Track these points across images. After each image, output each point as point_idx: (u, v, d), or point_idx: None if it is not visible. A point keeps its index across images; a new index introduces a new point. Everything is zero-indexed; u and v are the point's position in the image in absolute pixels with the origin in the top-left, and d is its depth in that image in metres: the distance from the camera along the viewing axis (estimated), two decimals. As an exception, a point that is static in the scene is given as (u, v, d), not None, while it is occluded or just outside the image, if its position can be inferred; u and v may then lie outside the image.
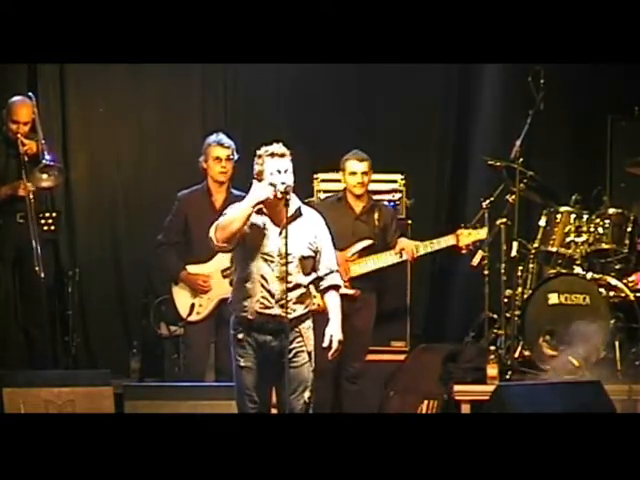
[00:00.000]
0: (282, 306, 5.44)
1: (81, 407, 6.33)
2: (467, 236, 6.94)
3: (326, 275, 5.61)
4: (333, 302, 5.61)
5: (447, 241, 6.96)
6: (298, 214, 5.56)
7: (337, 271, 5.66)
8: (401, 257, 6.92)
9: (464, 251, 6.99)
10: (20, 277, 7.47)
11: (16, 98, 7.34)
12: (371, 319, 6.98)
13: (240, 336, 5.55)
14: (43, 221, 7.28)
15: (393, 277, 7.13)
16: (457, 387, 6.91)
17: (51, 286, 7.87)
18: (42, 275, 7.14)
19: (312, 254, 5.56)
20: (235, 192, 6.88)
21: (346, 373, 6.95)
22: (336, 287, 5.63)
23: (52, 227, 7.33)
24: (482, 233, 6.97)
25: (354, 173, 6.89)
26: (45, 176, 7.23)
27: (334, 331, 5.50)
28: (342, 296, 6.71)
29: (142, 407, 6.06)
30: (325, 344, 5.47)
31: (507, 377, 6.95)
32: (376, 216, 6.95)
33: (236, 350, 5.57)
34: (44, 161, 7.17)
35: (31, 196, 7.16)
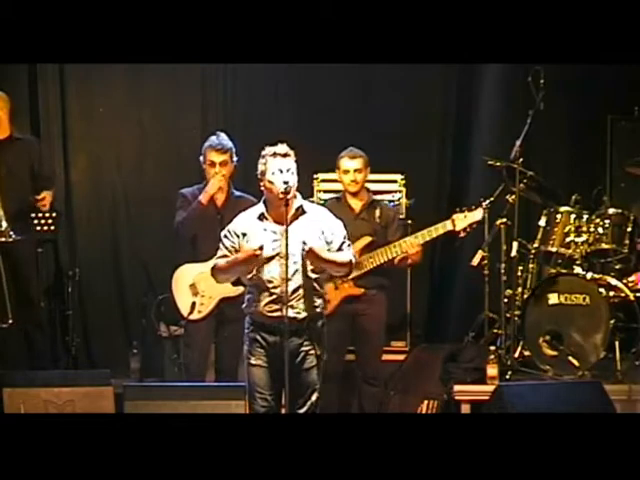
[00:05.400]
0: (291, 307, 5.48)
1: (81, 407, 6.32)
2: (463, 219, 6.80)
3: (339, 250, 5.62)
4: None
5: (444, 227, 6.85)
6: (301, 212, 5.59)
7: (349, 247, 5.70)
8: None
9: (462, 235, 6.89)
10: (19, 277, 7.46)
11: None
12: (381, 319, 6.89)
13: (252, 335, 5.63)
14: (43, 221, 7.28)
15: (393, 277, 7.12)
16: (457, 387, 6.89)
17: (51, 286, 7.88)
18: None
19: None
20: (236, 192, 6.87)
21: (363, 375, 6.93)
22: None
23: (52, 227, 7.31)
24: (477, 214, 6.85)
25: (347, 171, 6.84)
26: None
27: (313, 243, 5.50)
28: (348, 297, 6.71)
29: (142, 407, 6.04)
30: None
31: (507, 377, 6.93)
32: (377, 214, 6.89)
33: (248, 348, 5.64)
34: None
35: None
